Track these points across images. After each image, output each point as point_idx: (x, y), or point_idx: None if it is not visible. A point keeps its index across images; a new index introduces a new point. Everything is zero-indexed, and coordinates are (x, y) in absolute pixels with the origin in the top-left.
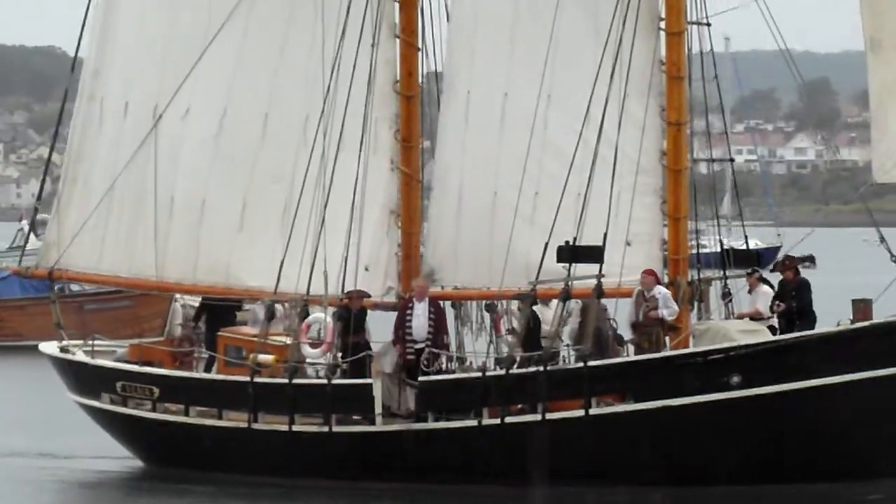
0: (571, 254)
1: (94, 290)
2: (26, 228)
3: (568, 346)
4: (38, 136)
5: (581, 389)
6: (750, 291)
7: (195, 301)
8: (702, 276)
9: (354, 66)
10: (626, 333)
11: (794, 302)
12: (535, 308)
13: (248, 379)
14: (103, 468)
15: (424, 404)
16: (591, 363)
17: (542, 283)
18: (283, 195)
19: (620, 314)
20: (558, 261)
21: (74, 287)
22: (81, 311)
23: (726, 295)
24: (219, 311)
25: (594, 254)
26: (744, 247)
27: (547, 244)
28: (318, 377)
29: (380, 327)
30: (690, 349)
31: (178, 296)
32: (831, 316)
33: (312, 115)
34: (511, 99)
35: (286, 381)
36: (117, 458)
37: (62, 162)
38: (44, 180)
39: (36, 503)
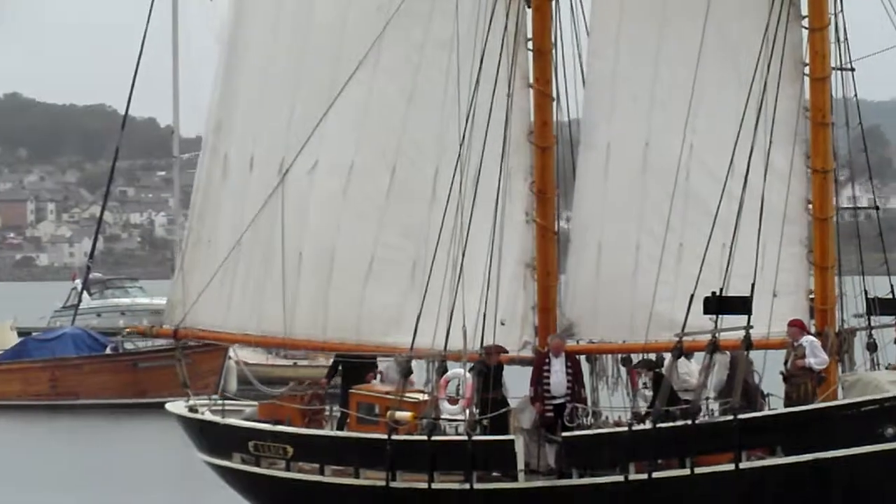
0: (719, 305)
1: (147, 349)
2: (79, 287)
3: (710, 399)
4: (89, 195)
5: (731, 443)
6: None
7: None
8: (846, 326)
9: (489, 117)
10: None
11: None
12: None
13: (385, 436)
14: None
15: (569, 460)
16: (742, 416)
17: (688, 334)
18: (413, 249)
19: (768, 366)
20: (705, 312)
21: (128, 346)
22: (135, 370)
23: (871, 346)
24: (352, 368)
25: (742, 305)
26: (889, 296)
27: (693, 296)
28: (458, 433)
29: (515, 383)
30: (843, 400)
31: (231, 353)
32: None
33: (442, 167)
34: (652, 149)
35: (425, 437)
36: None
37: (189, 218)
38: (95, 239)
39: None
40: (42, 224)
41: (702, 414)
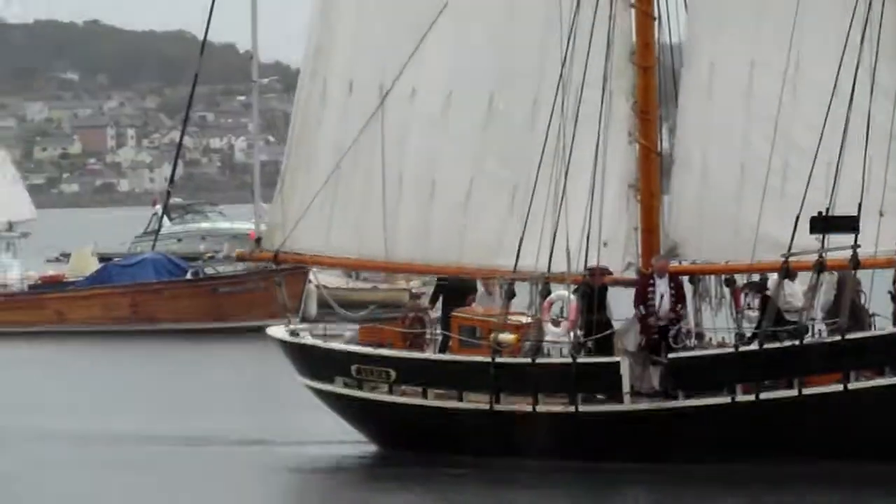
0: (826, 224)
1: (227, 274)
2: (160, 212)
3: (816, 319)
4: (169, 121)
5: (839, 363)
6: None
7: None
8: None
9: (591, 37)
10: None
11: None
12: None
13: (488, 359)
14: (339, 452)
15: (675, 381)
16: (850, 336)
17: (794, 255)
18: (513, 173)
19: (875, 287)
20: (811, 232)
21: (208, 270)
22: (216, 294)
23: None
24: (453, 291)
25: (849, 224)
26: None
27: (798, 216)
28: (562, 356)
29: (620, 304)
30: None
31: (311, 276)
32: None
33: (543, 91)
34: (758, 69)
35: (529, 360)
36: (351, 442)
37: (288, 143)
38: (175, 164)
39: (281, 489)
40: (122, 150)
41: (809, 334)
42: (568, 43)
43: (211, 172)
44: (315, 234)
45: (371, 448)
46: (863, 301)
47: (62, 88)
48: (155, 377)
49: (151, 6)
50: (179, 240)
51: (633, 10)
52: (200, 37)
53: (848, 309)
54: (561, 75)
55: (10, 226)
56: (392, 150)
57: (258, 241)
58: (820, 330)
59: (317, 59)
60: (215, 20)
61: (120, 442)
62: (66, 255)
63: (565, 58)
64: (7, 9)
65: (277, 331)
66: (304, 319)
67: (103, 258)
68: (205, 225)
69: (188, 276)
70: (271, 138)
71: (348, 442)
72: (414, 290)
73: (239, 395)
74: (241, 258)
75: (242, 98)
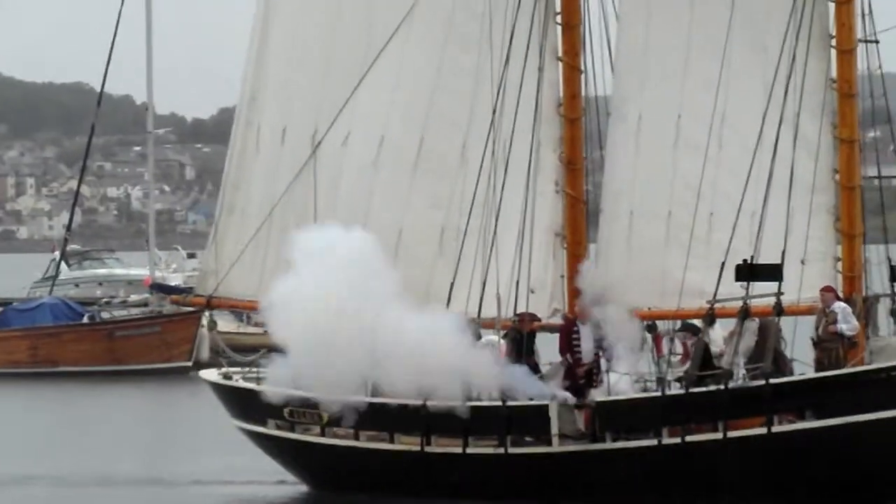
0: (750, 272)
1: (123, 318)
2: (58, 258)
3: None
4: (68, 170)
5: (763, 407)
6: None
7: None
8: (871, 293)
9: (520, 89)
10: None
11: None
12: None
13: (420, 402)
14: (272, 492)
15: (602, 424)
16: (773, 381)
17: (719, 301)
18: (442, 219)
19: (798, 332)
20: (736, 279)
21: (104, 315)
22: (112, 338)
23: (895, 312)
24: None
25: (773, 272)
26: None
27: (724, 263)
28: (492, 399)
29: (546, 349)
30: (875, 365)
31: (204, 322)
32: None
33: (471, 139)
34: (684, 120)
35: (460, 403)
36: (285, 482)
37: (221, 189)
38: (73, 212)
39: None
40: (22, 198)
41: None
42: (497, 94)
43: (108, 220)
44: (248, 280)
45: (303, 488)
46: (783, 347)
47: None
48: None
49: (50, 58)
50: (77, 285)
51: (560, 63)
52: (98, 88)
53: (771, 355)
54: (491, 126)
55: None
56: (324, 196)
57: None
58: (743, 375)
59: (251, 106)
60: (113, 72)
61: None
62: None
63: (494, 108)
64: None
65: (210, 374)
66: (195, 363)
67: (2, 302)
68: (101, 271)
69: (85, 319)
70: (166, 187)
71: (268, 483)
72: None
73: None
74: (175, 303)
75: (138, 148)
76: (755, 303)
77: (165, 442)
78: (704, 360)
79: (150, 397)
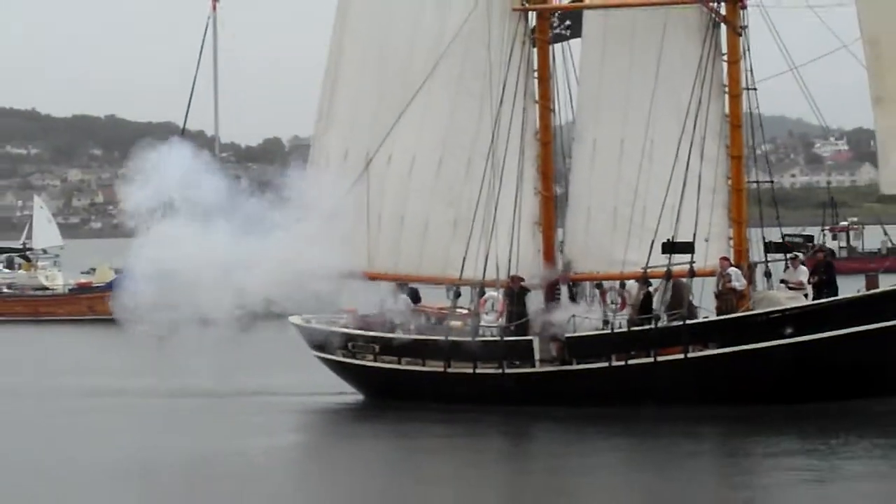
0: (672, 247)
1: None
2: None
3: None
4: None
5: (681, 340)
6: (785, 269)
7: None
8: (752, 260)
9: (511, 123)
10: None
11: (824, 276)
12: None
13: (443, 338)
14: (341, 400)
15: (570, 352)
16: (689, 321)
17: (651, 267)
18: (454, 213)
19: (703, 289)
20: (662, 252)
21: None
22: None
23: (767, 274)
24: (409, 291)
25: (688, 247)
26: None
27: (653, 242)
28: (493, 335)
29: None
30: (757, 311)
31: None
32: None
33: (475, 156)
34: (626, 144)
35: (471, 338)
36: (346, 394)
37: None
38: None
39: (312, 423)
40: None
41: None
42: (494, 127)
43: None
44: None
45: (359, 398)
46: (691, 299)
47: (91, 160)
48: None
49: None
50: None
51: (536, 105)
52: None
53: (686, 304)
54: (490, 149)
55: (45, 251)
56: (374, 198)
57: None
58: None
59: (323, 134)
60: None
61: None
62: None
63: (493, 137)
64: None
65: (295, 319)
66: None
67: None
68: None
69: None
70: None
71: (344, 394)
72: None
73: None
74: None
75: None
76: (675, 268)
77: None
78: (643, 307)
79: None
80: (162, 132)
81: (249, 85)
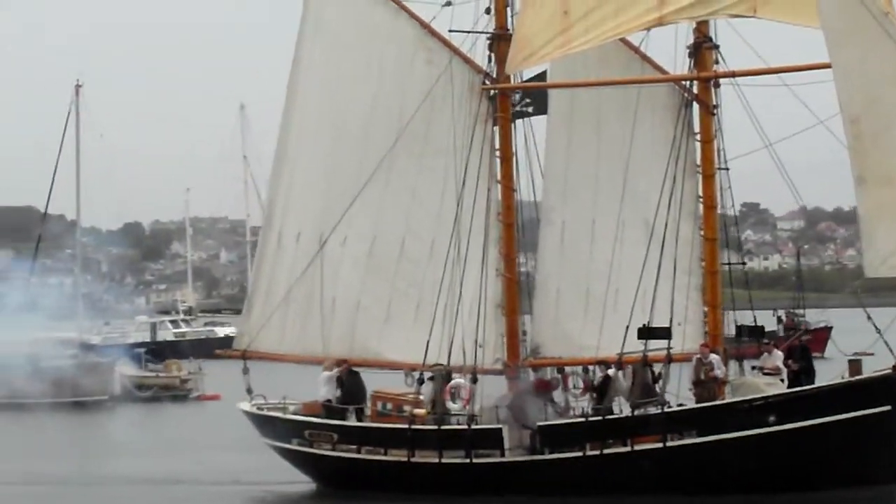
0: (648, 333)
1: None
2: None
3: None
4: None
5: (659, 428)
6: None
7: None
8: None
9: (474, 204)
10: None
11: (802, 362)
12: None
13: (406, 426)
14: (293, 490)
15: (542, 441)
16: (668, 410)
17: (626, 353)
18: (416, 296)
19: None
20: (639, 338)
21: None
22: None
23: (740, 358)
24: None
25: (665, 332)
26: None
27: (628, 326)
28: (459, 424)
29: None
30: (742, 398)
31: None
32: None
33: (437, 239)
34: (597, 225)
35: (436, 427)
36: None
37: (252, 274)
38: None
39: None
40: None
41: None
42: (457, 208)
43: None
44: (271, 339)
45: (313, 486)
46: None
47: None
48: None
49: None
50: None
51: (499, 185)
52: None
53: (665, 390)
54: (453, 230)
55: None
56: (328, 281)
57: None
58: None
59: (271, 214)
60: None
61: None
62: None
63: (456, 218)
64: None
65: (245, 405)
66: (111, 398)
67: None
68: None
69: None
70: (89, 277)
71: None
72: (183, 377)
73: None
74: (218, 356)
75: (69, 251)
76: (652, 353)
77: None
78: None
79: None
80: (19, 217)
81: (111, 169)
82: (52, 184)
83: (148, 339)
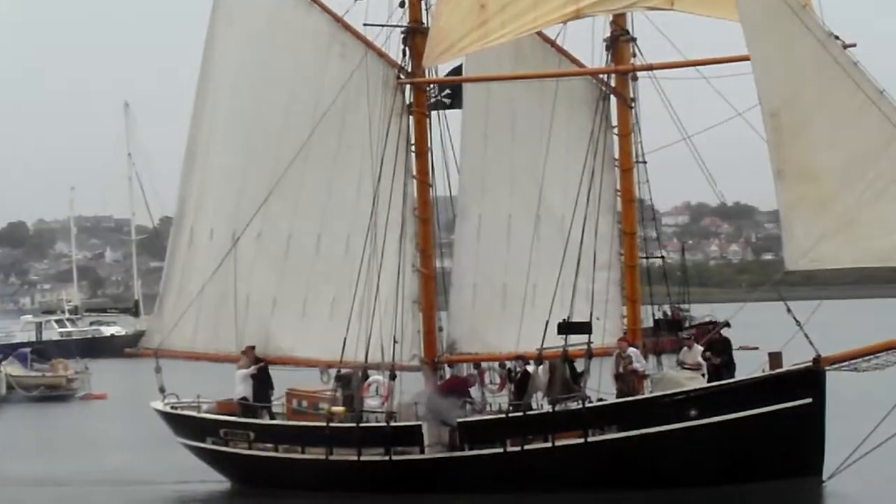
0: (568, 328)
1: None
2: None
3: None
4: None
5: (581, 423)
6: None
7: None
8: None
9: (390, 199)
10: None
11: (722, 357)
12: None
13: (325, 423)
14: (207, 489)
15: (462, 438)
16: (589, 405)
17: (546, 348)
18: (333, 291)
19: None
20: (558, 333)
21: None
22: None
23: (658, 352)
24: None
25: (584, 327)
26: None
27: (547, 321)
28: (377, 421)
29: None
30: (663, 392)
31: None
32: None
33: (353, 234)
34: (514, 220)
35: (355, 424)
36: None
37: (164, 273)
38: None
39: None
40: None
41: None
42: (373, 203)
43: None
44: (183, 337)
45: (227, 485)
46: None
47: None
48: None
49: None
50: None
51: (415, 181)
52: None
53: (585, 385)
54: (368, 226)
55: None
56: (242, 278)
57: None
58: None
59: (183, 211)
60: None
61: None
62: None
63: (372, 213)
64: None
65: (158, 404)
66: None
67: None
68: None
69: None
70: None
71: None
72: (69, 376)
73: None
74: (127, 354)
75: None
76: (573, 348)
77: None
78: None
79: None
80: None
81: None
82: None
83: (34, 339)
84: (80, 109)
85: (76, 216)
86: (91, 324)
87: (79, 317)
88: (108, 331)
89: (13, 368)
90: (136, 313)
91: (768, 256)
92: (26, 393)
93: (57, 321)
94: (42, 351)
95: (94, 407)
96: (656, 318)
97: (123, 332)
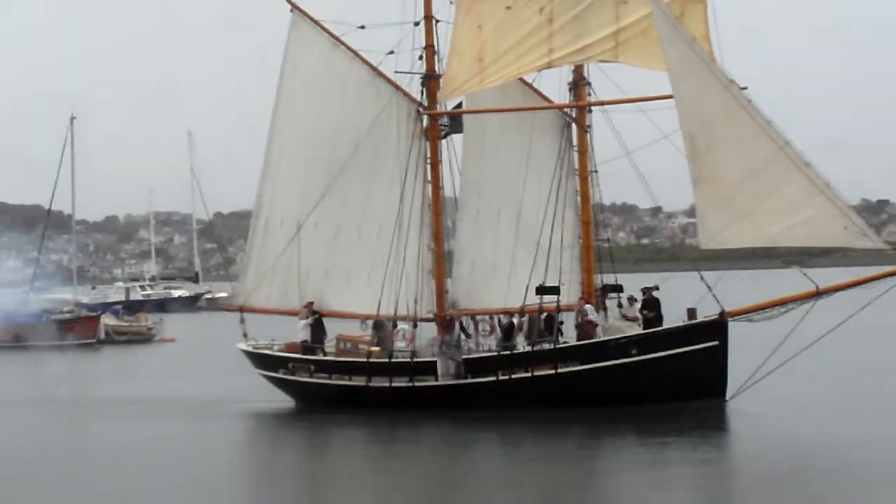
0: (543, 290)
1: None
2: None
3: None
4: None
5: (553, 358)
6: (620, 304)
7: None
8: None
9: (412, 200)
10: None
11: (653, 312)
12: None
13: (365, 359)
14: (280, 406)
15: (466, 369)
16: (559, 345)
17: (527, 305)
18: (369, 266)
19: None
20: (536, 294)
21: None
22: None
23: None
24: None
25: (555, 290)
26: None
27: (527, 286)
28: (404, 357)
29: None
30: (611, 336)
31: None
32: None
33: (384, 225)
34: (502, 215)
35: (387, 360)
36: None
37: (246, 250)
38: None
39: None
40: None
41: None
42: (400, 202)
43: None
44: (260, 297)
45: (292, 404)
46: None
47: None
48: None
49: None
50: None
51: (429, 185)
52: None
53: (557, 332)
54: (397, 217)
55: None
56: (305, 257)
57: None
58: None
59: (260, 205)
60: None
61: None
62: None
63: (399, 209)
64: None
65: (242, 345)
66: (98, 341)
67: None
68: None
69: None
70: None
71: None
72: (149, 326)
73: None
74: (226, 309)
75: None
76: (546, 305)
77: None
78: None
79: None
80: (30, 212)
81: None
82: (56, 185)
83: (123, 299)
84: (159, 134)
85: (154, 212)
86: (164, 288)
87: (155, 283)
88: (175, 293)
89: (109, 320)
90: (196, 280)
91: (644, 241)
92: (118, 337)
93: (140, 286)
94: (129, 307)
95: (168, 348)
96: (603, 283)
97: (186, 294)
